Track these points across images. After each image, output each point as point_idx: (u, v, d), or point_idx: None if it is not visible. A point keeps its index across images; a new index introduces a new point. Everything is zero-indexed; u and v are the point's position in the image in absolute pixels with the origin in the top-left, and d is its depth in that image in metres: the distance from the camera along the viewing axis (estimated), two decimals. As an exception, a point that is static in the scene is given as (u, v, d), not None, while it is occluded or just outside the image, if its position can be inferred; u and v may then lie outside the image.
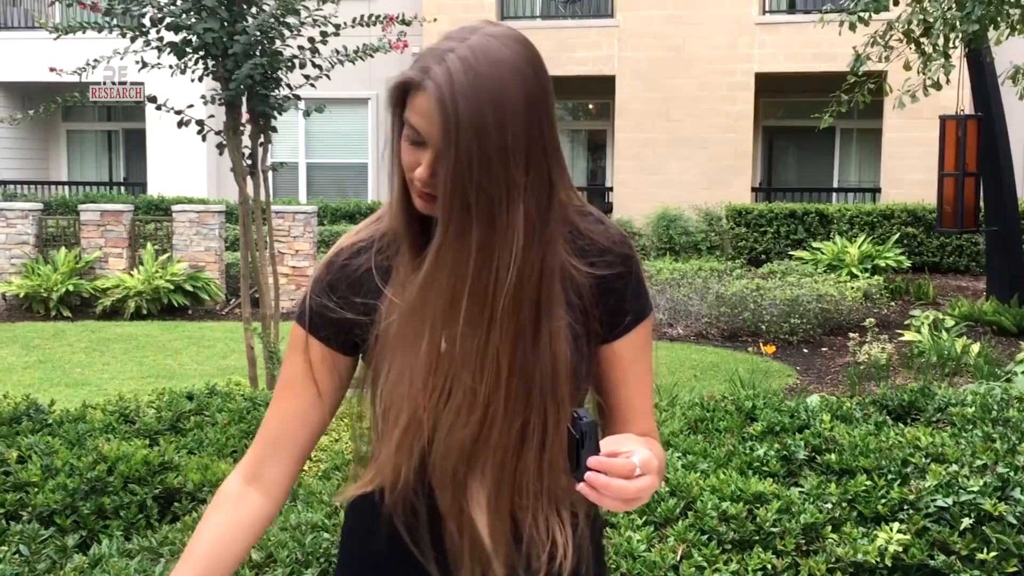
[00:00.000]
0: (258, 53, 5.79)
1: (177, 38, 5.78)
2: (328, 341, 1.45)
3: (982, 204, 10.88)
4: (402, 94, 1.33)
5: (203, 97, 6.01)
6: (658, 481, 1.28)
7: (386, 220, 1.45)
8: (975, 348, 8.01)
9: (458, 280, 1.31)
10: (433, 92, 1.27)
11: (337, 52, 6.07)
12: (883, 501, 3.06)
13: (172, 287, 11.88)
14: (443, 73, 1.27)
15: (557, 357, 1.38)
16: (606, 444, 1.26)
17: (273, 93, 5.98)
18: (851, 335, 8.66)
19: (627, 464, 1.23)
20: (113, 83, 15.47)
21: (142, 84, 8.36)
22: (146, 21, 5.83)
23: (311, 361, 1.46)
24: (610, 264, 1.43)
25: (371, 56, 6.19)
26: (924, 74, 8.44)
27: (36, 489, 3.26)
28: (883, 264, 13.12)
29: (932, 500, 3.03)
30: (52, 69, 6.63)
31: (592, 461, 1.23)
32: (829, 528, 2.94)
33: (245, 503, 1.48)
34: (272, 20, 5.76)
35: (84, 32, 5.96)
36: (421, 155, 1.32)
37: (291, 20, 5.89)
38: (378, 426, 1.45)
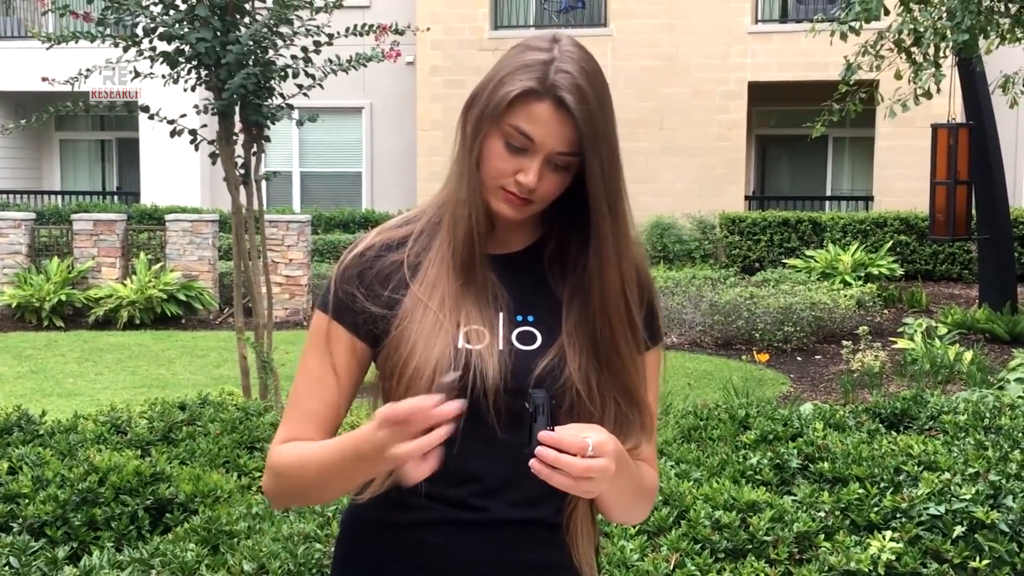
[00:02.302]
0: (251, 63, 5.78)
1: (170, 48, 5.78)
2: (352, 328, 1.46)
3: (974, 212, 10.91)
4: (505, 102, 1.37)
5: (196, 107, 6.01)
6: (615, 467, 1.27)
7: (424, 220, 1.49)
8: (968, 356, 8.02)
9: (595, 278, 1.41)
10: (573, 104, 1.35)
11: (330, 61, 6.07)
12: (876, 509, 3.07)
13: (165, 296, 11.85)
14: (571, 84, 1.35)
15: (636, 359, 1.46)
16: (568, 427, 1.27)
17: (266, 102, 5.97)
18: (844, 343, 8.67)
19: (579, 441, 1.25)
20: (113, 88, 15.42)
21: (137, 91, 8.35)
22: (139, 31, 5.83)
23: (331, 347, 1.46)
24: (640, 284, 1.48)
25: (364, 65, 6.19)
26: (915, 83, 8.47)
27: (27, 500, 3.24)
28: (876, 272, 13.14)
29: (925, 508, 3.03)
30: (45, 79, 6.63)
31: (544, 436, 1.23)
32: (822, 536, 2.95)
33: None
34: (265, 30, 5.76)
35: (77, 42, 5.95)
36: (522, 162, 1.38)
37: (284, 30, 5.89)
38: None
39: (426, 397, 1.25)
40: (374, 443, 1.28)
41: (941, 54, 8.43)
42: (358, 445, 1.32)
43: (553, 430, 1.24)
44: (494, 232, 1.46)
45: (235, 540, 2.96)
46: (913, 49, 8.49)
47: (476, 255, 1.43)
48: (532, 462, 1.24)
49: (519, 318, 1.45)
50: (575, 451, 1.24)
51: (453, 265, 1.43)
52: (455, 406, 1.25)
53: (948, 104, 10.29)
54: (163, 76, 5.80)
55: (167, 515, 3.34)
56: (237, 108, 5.93)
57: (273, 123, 6.06)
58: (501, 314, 1.43)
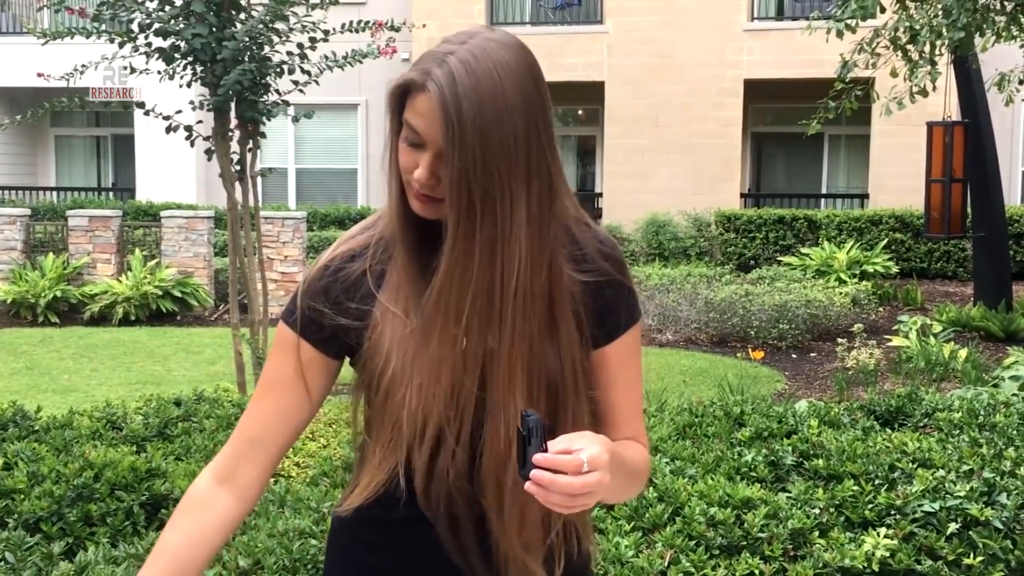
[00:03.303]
0: (247, 59, 5.78)
1: (165, 44, 5.77)
2: (320, 345, 1.45)
3: (969, 210, 10.93)
4: (401, 96, 1.35)
5: (191, 103, 6.00)
6: (609, 478, 1.26)
7: (381, 225, 1.46)
8: (962, 353, 8.04)
9: (467, 282, 1.32)
10: (435, 93, 1.29)
11: (326, 58, 6.07)
12: (870, 506, 3.07)
13: (160, 293, 11.84)
14: (445, 74, 1.29)
15: (574, 360, 1.40)
16: (558, 442, 1.25)
17: (262, 99, 5.97)
18: (839, 340, 8.69)
19: (574, 461, 1.22)
20: (113, 87, 15.38)
21: (137, 89, 8.30)
22: (134, 27, 5.82)
23: (302, 363, 1.45)
24: (599, 271, 1.44)
25: (360, 62, 6.19)
26: (911, 81, 8.48)
27: (22, 496, 3.24)
28: (871, 270, 13.16)
29: (919, 505, 3.04)
30: (40, 74, 6.62)
31: (538, 458, 1.22)
32: (816, 533, 2.95)
33: (215, 506, 1.47)
34: (261, 26, 5.75)
35: (72, 38, 5.94)
36: (420, 156, 1.33)
37: (280, 26, 5.89)
38: (371, 431, 1.45)
39: None
40: None
41: (937, 52, 8.44)
42: None
43: (547, 451, 1.23)
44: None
45: (231, 536, 2.96)
46: (909, 47, 8.49)
47: (414, 256, 1.40)
48: (528, 485, 1.23)
49: None
50: (571, 470, 1.22)
51: (408, 268, 1.41)
52: None
53: (944, 102, 10.29)
54: (158, 72, 5.80)
55: (162, 511, 3.34)
56: (233, 104, 5.93)
57: (269, 119, 6.06)
58: None
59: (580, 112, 18.67)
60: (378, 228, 1.46)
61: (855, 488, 3.14)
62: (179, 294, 12.01)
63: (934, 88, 8.41)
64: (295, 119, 6.38)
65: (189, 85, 5.98)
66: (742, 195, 16.67)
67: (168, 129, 5.92)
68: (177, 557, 1.44)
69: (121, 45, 5.81)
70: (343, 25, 6.03)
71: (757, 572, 2.78)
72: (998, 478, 3.19)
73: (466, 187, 1.29)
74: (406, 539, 1.45)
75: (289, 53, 5.98)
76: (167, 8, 5.73)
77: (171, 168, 17.49)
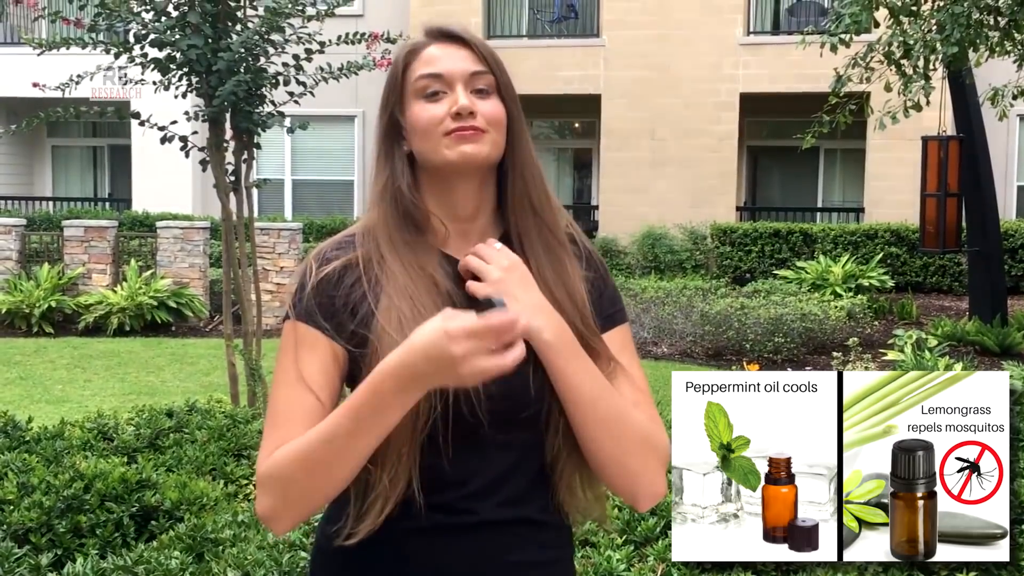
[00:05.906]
0: (242, 70, 5.79)
1: (161, 54, 5.77)
2: (328, 332, 1.42)
3: (964, 224, 10.95)
4: (397, 75, 1.47)
5: (187, 113, 6.00)
6: (529, 324, 1.34)
7: (358, 243, 1.45)
8: (957, 368, 8.04)
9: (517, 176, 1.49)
10: (456, 28, 1.48)
11: (322, 69, 6.08)
12: (862, 520, 3.06)
13: (155, 303, 11.82)
14: (444, 23, 1.49)
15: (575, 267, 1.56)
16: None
17: (257, 110, 5.97)
18: (835, 354, 8.68)
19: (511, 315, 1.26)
20: (112, 91, 15.32)
21: (138, 92, 8.20)
22: (130, 37, 5.83)
23: (314, 353, 1.41)
24: (596, 270, 1.52)
25: (355, 73, 6.20)
26: (905, 95, 8.51)
27: (11, 507, 3.23)
28: (866, 284, 13.17)
29: (911, 519, 3.03)
30: (35, 84, 6.61)
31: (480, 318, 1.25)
32: (808, 547, 2.94)
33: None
34: (256, 37, 5.76)
35: (68, 48, 5.94)
36: (447, 99, 1.43)
37: (276, 37, 5.90)
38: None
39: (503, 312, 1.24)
40: (439, 362, 1.22)
41: (931, 66, 8.47)
42: (398, 374, 1.25)
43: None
44: (451, 235, 1.47)
45: (220, 548, 2.95)
46: (903, 61, 8.52)
47: (410, 265, 1.41)
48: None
49: None
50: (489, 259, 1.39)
51: (409, 274, 1.41)
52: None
53: (939, 116, 10.32)
54: (154, 82, 5.80)
55: (152, 522, 3.32)
56: (228, 115, 5.93)
57: (264, 130, 6.05)
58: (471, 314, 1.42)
59: (576, 125, 18.70)
60: (355, 248, 1.45)
61: (847, 502, 3.13)
62: (174, 305, 11.99)
63: (928, 103, 8.43)
64: (290, 130, 6.38)
65: (184, 96, 5.98)
66: (738, 208, 16.70)
67: (163, 139, 5.91)
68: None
69: (117, 56, 5.81)
70: (339, 37, 6.04)
71: (749, 586, 2.77)
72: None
73: (520, 114, 1.48)
74: (399, 551, 1.43)
75: (285, 64, 5.98)
76: (163, 19, 5.73)
77: (167, 178, 17.48)
